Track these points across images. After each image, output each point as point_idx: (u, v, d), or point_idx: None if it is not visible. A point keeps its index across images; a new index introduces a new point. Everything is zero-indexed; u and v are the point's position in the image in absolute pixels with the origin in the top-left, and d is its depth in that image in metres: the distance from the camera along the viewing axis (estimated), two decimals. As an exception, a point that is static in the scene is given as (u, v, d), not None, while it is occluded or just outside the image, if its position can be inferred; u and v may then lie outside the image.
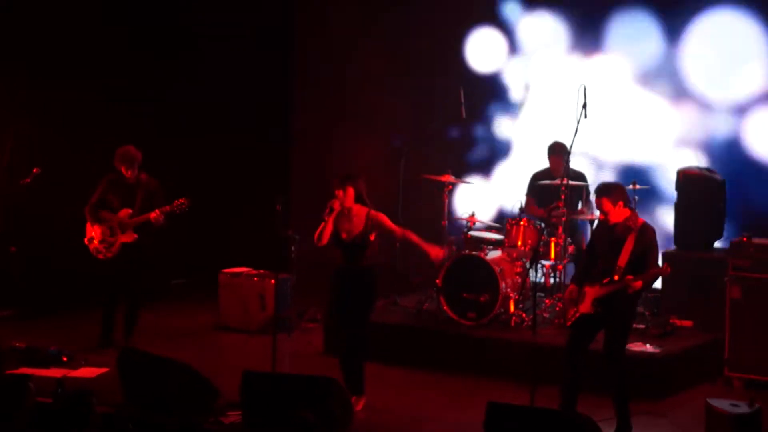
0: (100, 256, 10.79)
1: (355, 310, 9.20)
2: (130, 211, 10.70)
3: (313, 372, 9.50)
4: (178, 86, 13.31)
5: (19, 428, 6.53)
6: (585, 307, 8.64)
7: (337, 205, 9.15)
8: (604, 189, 8.68)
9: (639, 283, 8.40)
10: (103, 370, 10.00)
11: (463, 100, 11.70)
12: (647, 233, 8.58)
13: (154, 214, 10.58)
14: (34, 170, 11.39)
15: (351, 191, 9.14)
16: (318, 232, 9.15)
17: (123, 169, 10.71)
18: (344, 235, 9.21)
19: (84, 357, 10.42)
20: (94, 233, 10.80)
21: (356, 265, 9.20)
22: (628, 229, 8.58)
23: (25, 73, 12.19)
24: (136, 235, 10.70)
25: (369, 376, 9.68)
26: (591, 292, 8.61)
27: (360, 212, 9.20)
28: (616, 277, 8.48)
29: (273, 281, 11.45)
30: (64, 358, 10.26)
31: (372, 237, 9.16)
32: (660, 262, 8.88)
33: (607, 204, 8.61)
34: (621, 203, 8.63)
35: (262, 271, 11.96)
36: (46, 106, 12.28)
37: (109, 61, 12.68)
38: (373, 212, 9.19)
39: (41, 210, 11.99)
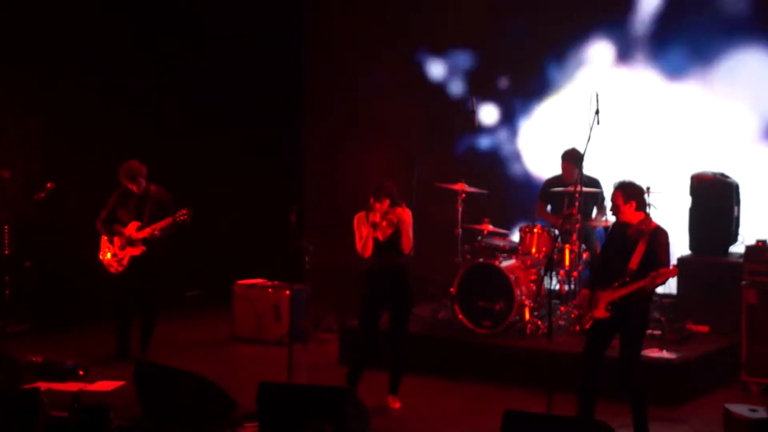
0: (112, 270, 10.82)
1: (398, 310, 9.46)
2: (139, 223, 10.72)
3: (329, 382, 9.51)
4: (189, 99, 13.33)
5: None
6: (599, 311, 8.62)
7: (377, 218, 9.36)
8: (622, 184, 8.64)
9: (645, 283, 8.37)
10: (120, 383, 10.01)
11: (475, 108, 11.70)
12: (659, 236, 8.55)
13: (148, 230, 10.59)
14: (48, 185, 11.43)
15: (387, 202, 9.39)
16: (362, 244, 9.41)
17: (128, 184, 10.74)
18: (380, 236, 9.39)
19: (100, 370, 10.43)
20: (107, 247, 10.84)
21: (391, 264, 9.41)
22: (640, 233, 8.56)
23: (33, 79, 12.23)
24: (144, 248, 10.72)
25: (384, 385, 9.68)
26: (604, 296, 8.60)
27: (394, 211, 9.41)
28: (627, 280, 8.47)
29: (288, 292, 11.44)
30: (81, 372, 10.28)
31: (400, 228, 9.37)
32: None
33: (619, 198, 8.56)
34: (633, 203, 8.59)
35: (277, 282, 11.96)
36: (53, 110, 12.32)
37: (117, 65, 12.74)
38: (404, 207, 9.42)
39: (54, 223, 12.02)
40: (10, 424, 6.63)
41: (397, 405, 9.55)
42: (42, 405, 6.92)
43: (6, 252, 11.85)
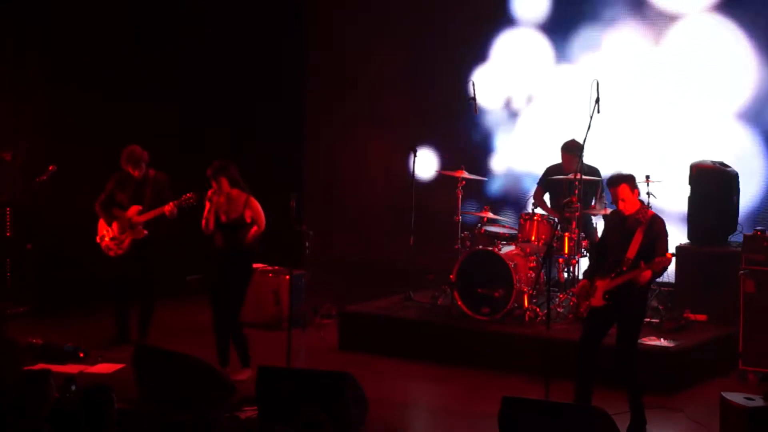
0: (111, 253, 10.84)
1: (232, 289, 9.89)
2: (140, 207, 10.74)
3: (327, 367, 9.55)
4: (191, 85, 13.32)
5: (39, 424, 6.58)
6: (596, 300, 8.66)
7: (214, 197, 9.83)
8: (621, 177, 8.71)
9: (648, 273, 8.40)
10: (120, 366, 10.05)
11: (475, 95, 11.70)
12: (656, 224, 8.60)
13: (168, 207, 10.60)
14: (50, 167, 11.43)
15: (224, 181, 9.74)
16: (203, 223, 9.86)
17: (130, 169, 10.76)
18: (223, 218, 9.83)
19: (100, 353, 10.48)
20: (105, 231, 10.86)
21: (234, 247, 9.83)
22: (637, 222, 8.60)
23: (34, 62, 12.24)
24: (146, 232, 10.74)
25: (383, 371, 9.72)
26: (602, 285, 8.64)
27: (239, 197, 9.83)
28: (624, 269, 8.51)
29: (287, 277, 11.47)
30: (81, 354, 10.33)
31: (248, 219, 9.82)
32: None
33: (625, 190, 8.62)
34: (637, 191, 8.69)
35: (276, 267, 11.99)
36: (54, 92, 12.33)
37: (123, 61, 12.76)
38: (251, 198, 9.88)
39: (56, 206, 12.04)
40: (19, 404, 6.67)
41: (244, 377, 9.69)
42: (50, 387, 6.98)
43: (7, 234, 11.88)
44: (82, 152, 12.22)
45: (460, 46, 13.21)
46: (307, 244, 12.04)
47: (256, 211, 9.88)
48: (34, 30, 12.19)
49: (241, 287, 10.00)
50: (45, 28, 12.22)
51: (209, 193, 9.85)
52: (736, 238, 10.96)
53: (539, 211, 11.24)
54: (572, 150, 11.15)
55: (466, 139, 13.16)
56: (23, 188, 11.73)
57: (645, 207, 8.79)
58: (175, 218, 10.69)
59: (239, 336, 10.01)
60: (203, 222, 9.87)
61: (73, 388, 8.25)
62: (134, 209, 10.76)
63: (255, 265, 11.68)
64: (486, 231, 11.34)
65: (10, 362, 9.26)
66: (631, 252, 8.52)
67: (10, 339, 9.83)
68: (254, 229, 9.86)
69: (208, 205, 9.86)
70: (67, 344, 10.40)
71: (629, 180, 8.68)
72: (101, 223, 10.89)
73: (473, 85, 11.76)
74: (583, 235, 10.98)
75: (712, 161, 11.30)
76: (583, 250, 10.97)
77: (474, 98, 11.72)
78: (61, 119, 12.38)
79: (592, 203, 11.34)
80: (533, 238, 11.01)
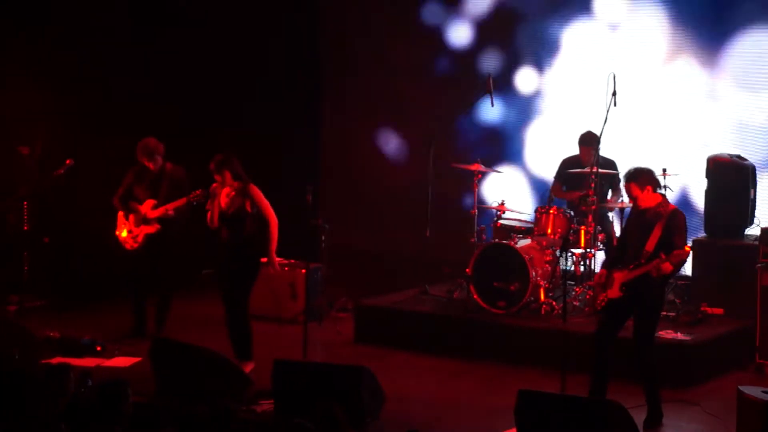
0: (127, 246, 10.87)
1: (237, 282, 9.81)
2: (154, 201, 10.76)
3: (344, 361, 9.57)
4: (206, 78, 13.33)
5: (56, 418, 6.61)
6: (613, 292, 8.66)
7: (218, 190, 9.83)
8: (631, 174, 8.69)
9: (666, 265, 8.39)
10: (137, 359, 10.08)
11: (492, 88, 11.69)
12: (676, 218, 8.59)
13: (177, 203, 10.61)
14: (67, 161, 11.47)
15: (228, 174, 9.73)
16: (209, 217, 9.85)
17: (145, 162, 10.78)
18: (226, 210, 9.81)
19: (117, 346, 10.51)
20: (123, 224, 10.89)
21: (237, 239, 9.77)
22: (658, 215, 8.59)
23: (52, 56, 12.25)
24: (159, 226, 10.75)
25: (399, 365, 9.70)
26: (619, 277, 8.64)
27: (239, 188, 9.80)
28: (642, 261, 8.50)
29: (304, 271, 11.49)
30: (98, 348, 10.36)
31: (249, 208, 9.75)
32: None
33: (635, 189, 8.63)
34: (649, 188, 8.64)
35: (292, 261, 12.00)
36: (71, 87, 12.34)
37: (133, 58, 12.77)
38: (250, 185, 9.80)
39: (73, 200, 12.07)
40: (38, 398, 6.71)
41: (247, 369, 9.61)
42: (70, 381, 7.02)
43: (24, 228, 11.91)
44: (100, 146, 12.23)
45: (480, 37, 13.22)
46: (323, 237, 12.05)
47: (255, 198, 9.78)
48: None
49: (246, 280, 9.90)
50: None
51: (213, 186, 9.85)
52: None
53: (555, 203, 11.23)
54: (589, 142, 11.13)
55: (482, 131, 13.16)
56: (41, 182, 11.76)
57: (666, 201, 8.77)
58: (189, 213, 10.71)
59: (245, 330, 9.89)
60: (208, 216, 9.86)
61: (89, 382, 8.29)
62: (149, 203, 10.78)
63: (276, 259, 11.77)
64: (502, 224, 11.34)
65: (27, 355, 9.32)
66: (650, 245, 8.51)
67: (28, 332, 9.89)
68: (273, 235, 9.84)
69: (209, 205, 9.87)
70: (84, 338, 10.43)
71: (638, 179, 8.62)
72: (120, 217, 10.93)
73: (490, 78, 11.74)
74: (599, 228, 10.97)
75: (729, 154, 11.27)
76: (599, 243, 10.95)
77: (491, 91, 11.70)
78: (77, 113, 12.39)
79: (608, 196, 11.33)
80: (549, 231, 10.99)
